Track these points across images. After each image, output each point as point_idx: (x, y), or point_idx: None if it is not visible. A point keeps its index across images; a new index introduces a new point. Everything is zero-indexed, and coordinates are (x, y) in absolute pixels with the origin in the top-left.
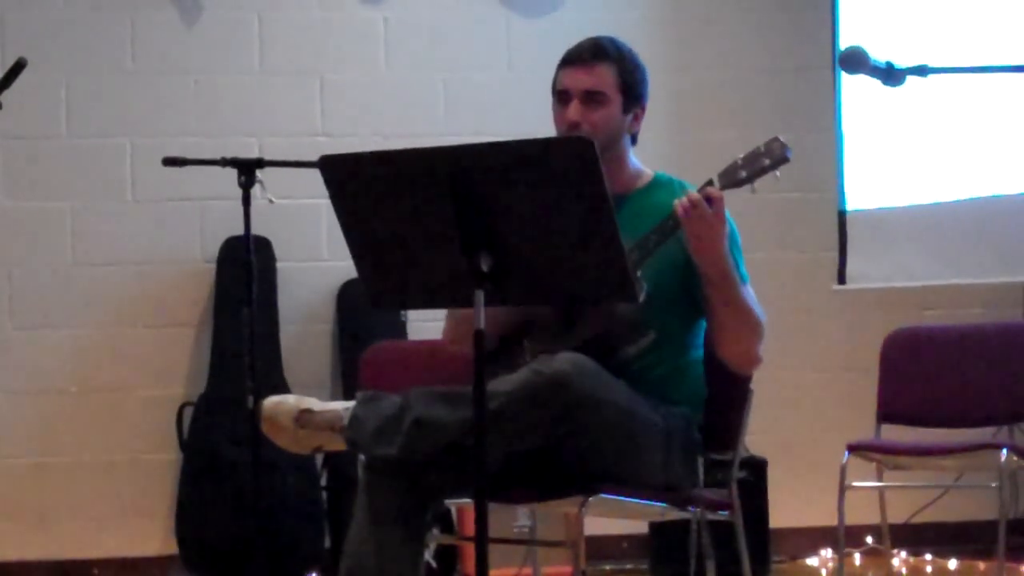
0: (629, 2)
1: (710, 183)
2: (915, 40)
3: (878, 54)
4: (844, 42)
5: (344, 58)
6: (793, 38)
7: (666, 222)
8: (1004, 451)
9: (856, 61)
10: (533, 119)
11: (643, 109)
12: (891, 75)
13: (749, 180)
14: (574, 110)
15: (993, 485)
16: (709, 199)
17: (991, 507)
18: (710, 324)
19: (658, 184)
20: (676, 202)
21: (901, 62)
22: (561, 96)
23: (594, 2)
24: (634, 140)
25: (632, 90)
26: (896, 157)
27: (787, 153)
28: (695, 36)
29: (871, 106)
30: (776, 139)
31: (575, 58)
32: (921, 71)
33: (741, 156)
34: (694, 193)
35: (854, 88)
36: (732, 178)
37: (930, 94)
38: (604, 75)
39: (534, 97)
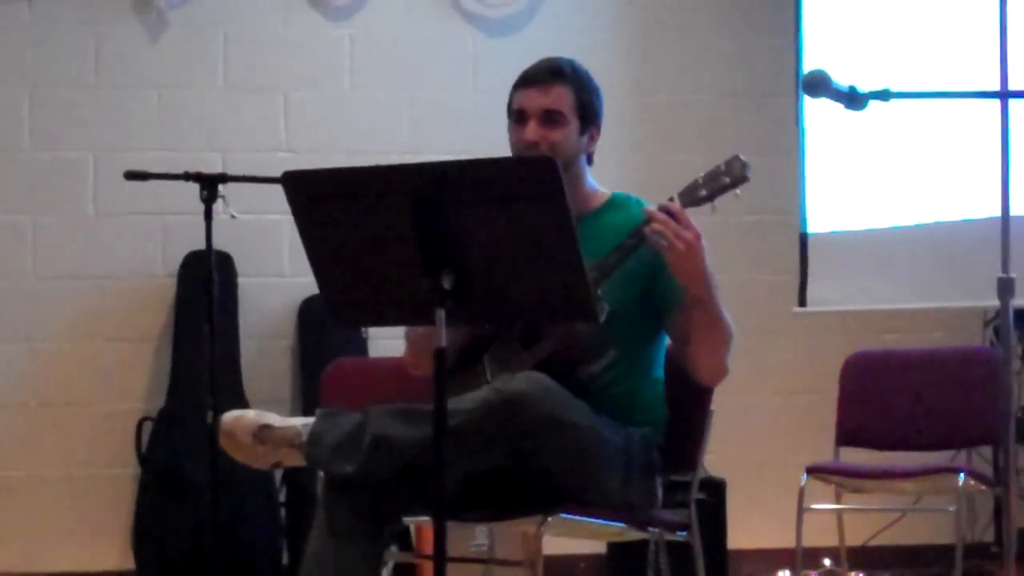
0: (594, 23)
1: (671, 200)
2: (878, 65)
3: (841, 78)
4: (808, 66)
5: (309, 75)
6: (757, 62)
7: (626, 241)
8: (962, 475)
9: (819, 85)
10: (498, 138)
11: (598, 129)
12: (854, 99)
13: (710, 198)
14: (532, 130)
15: (951, 509)
16: (669, 214)
17: (948, 531)
18: (682, 339)
19: (615, 203)
20: (644, 227)
21: (864, 87)
22: (518, 116)
23: (559, 22)
24: (590, 160)
25: (588, 111)
26: (858, 181)
27: (747, 172)
28: (660, 58)
29: (834, 130)
30: (736, 157)
31: (532, 79)
32: (883, 96)
33: (702, 175)
34: (655, 211)
35: (817, 112)
36: (692, 196)
37: (893, 119)
38: (561, 96)
39: (499, 116)
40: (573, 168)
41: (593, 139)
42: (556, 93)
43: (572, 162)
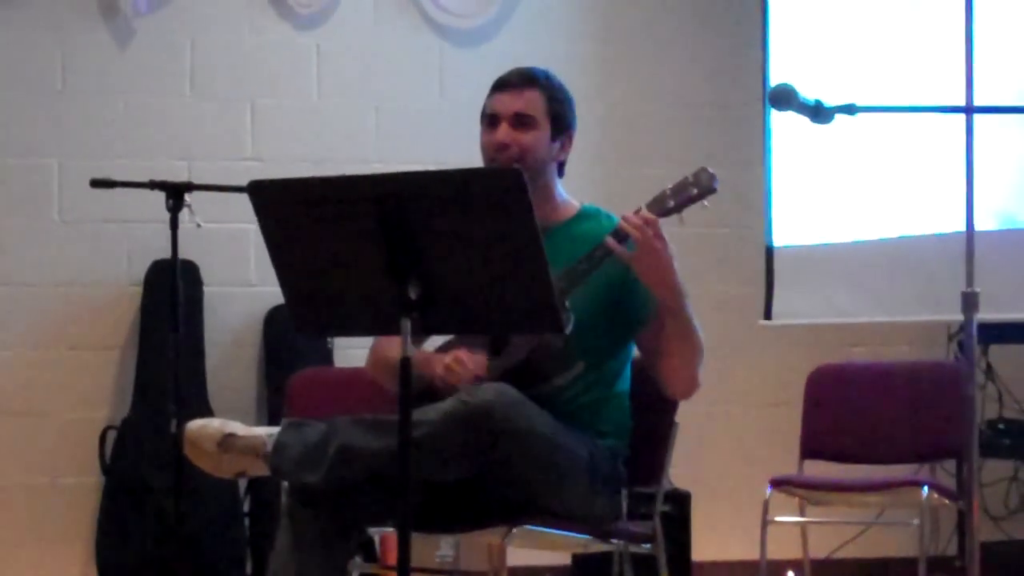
0: (561, 35)
1: (639, 211)
2: (844, 79)
3: (807, 92)
4: (774, 79)
5: (276, 83)
6: (724, 74)
7: (595, 252)
8: (925, 488)
9: (785, 98)
10: (465, 148)
11: (570, 139)
12: (820, 113)
13: (677, 209)
14: (503, 131)
15: (914, 522)
16: (645, 222)
17: (912, 544)
18: (654, 352)
19: (585, 215)
20: (607, 237)
21: (830, 101)
22: (490, 120)
23: (526, 34)
24: (561, 171)
25: (560, 118)
26: (824, 194)
27: (715, 183)
28: (627, 70)
29: (800, 143)
30: (704, 169)
31: (505, 84)
32: (849, 109)
33: (670, 186)
34: (631, 217)
35: (783, 125)
36: (660, 207)
37: (859, 133)
38: (533, 100)
39: (466, 126)
40: (544, 176)
41: (564, 148)
42: (528, 97)
43: (543, 168)
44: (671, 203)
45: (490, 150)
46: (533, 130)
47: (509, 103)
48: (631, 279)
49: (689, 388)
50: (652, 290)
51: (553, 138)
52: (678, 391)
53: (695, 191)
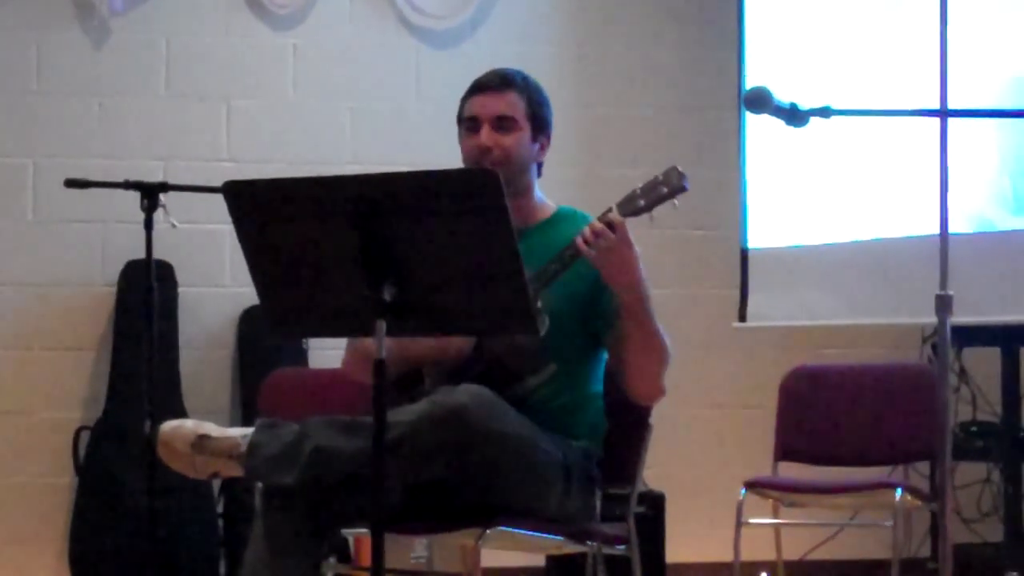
0: (537, 36)
1: (609, 211)
2: (819, 82)
3: (782, 95)
4: (750, 81)
5: (252, 84)
6: (699, 77)
7: (564, 252)
8: (899, 491)
9: (760, 101)
10: (440, 149)
11: (548, 140)
12: (795, 116)
13: (647, 208)
14: (486, 135)
15: (887, 524)
16: (611, 226)
17: (885, 546)
18: (618, 355)
19: (561, 217)
20: (577, 238)
21: (805, 103)
22: (470, 123)
23: (502, 35)
24: (539, 172)
25: (539, 119)
26: (799, 197)
27: (685, 182)
28: (602, 72)
29: (775, 145)
30: (674, 168)
31: (484, 86)
32: (824, 112)
33: (640, 186)
34: (595, 222)
35: (758, 127)
36: (631, 207)
37: (834, 135)
38: (513, 102)
39: (442, 127)
40: (525, 177)
41: (543, 148)
42: (508, 99)
43: (524, 169)
44: (641, 203)
45: (474, 154)
46: (515, 132)
47: (489, 106)
48: (601, 281)
49: (652, 394)
50: (614, 290)
51: (533, 139)
52: (641, 396)
53: (665, 190)
